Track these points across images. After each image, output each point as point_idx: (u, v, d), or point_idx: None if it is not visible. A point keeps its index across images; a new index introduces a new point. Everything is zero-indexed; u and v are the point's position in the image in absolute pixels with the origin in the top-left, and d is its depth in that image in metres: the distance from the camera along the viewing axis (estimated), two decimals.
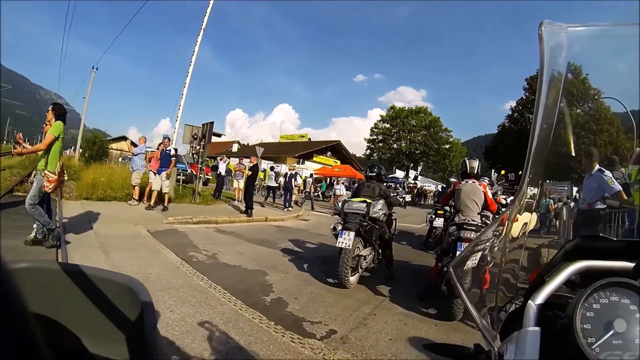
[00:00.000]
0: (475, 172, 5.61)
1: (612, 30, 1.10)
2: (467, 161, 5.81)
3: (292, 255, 7.47)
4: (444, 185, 14.03)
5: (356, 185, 7.03)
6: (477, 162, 5.76)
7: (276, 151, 45.22)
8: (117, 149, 35.13)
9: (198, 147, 15.10)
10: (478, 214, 5.24)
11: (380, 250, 6.08)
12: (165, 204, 11.14)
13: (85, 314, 0.69)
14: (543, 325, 0.78)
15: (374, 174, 6.56)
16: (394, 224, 7.07)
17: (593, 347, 0.70)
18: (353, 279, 5.56)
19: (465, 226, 4.95)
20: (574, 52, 1.04)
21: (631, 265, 0.81)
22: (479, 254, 1.53)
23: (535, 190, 1.14)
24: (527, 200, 1.12)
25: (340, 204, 6.18)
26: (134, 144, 13.38)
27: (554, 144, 1.09)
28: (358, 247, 5.63)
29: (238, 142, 64.78)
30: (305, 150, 46.41)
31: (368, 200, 5.96)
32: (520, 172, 1.09)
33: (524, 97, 43.73)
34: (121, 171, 14.99)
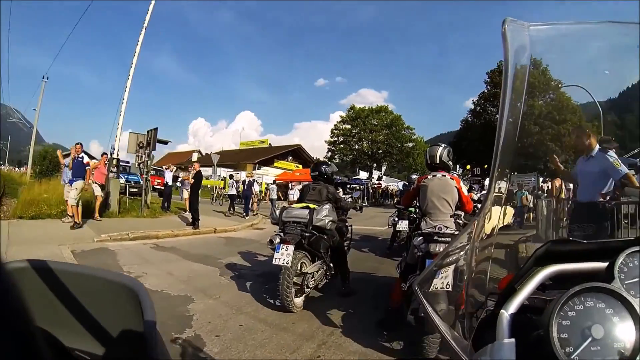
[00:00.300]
0: (439, 161, 4.28)
1: (572, 28, 1.13)
2: (427, 150, 4.46)
3: (232, 272, 6.41)
4: (406, 183, 13.00)
5: (300, 188, 5.91)
6: (442, 148, 4.35)
7: (236, 158, 44.54)
8: None
9: (143, 155, 14.06)
10: (451, 216, 4.08)
11: (332, 265, 5.10)
12: (78, 219, 9.77)
13: (85, 314, 0.70)
14: (517, 333, 0.76)
15: (317, 173, 5.56)
16: (349, 231, 6.08)
17: (572, 356, 0.68)
18: (299, 300, 4.60)
19: (436, 237, 3.68)
20: (536, 49, 1.05)
21: (602, 265, 0.83)
22: (451, 268, 1.49)
23: (504, 184, 1.15)
24: (496, 194, 1.12)
25: (278, 211, 5.13)
26: (66, 155, 12.10)
27: (520, 137, 1.07)
28: (303, 262, 4.70)
29: (199, 151, 63.18)
30: (266, 155, 45.50)
31: (311, 206, 4.99)
32: (486, 165, 0.98)
33: (486, 91, 43.72)
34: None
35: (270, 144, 53.08)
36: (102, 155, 12.75)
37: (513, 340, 0.73)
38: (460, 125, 48.35)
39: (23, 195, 12.35)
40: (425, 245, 3.69)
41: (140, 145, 14.28)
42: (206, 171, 21.09)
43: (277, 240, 4.58)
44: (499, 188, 1.11)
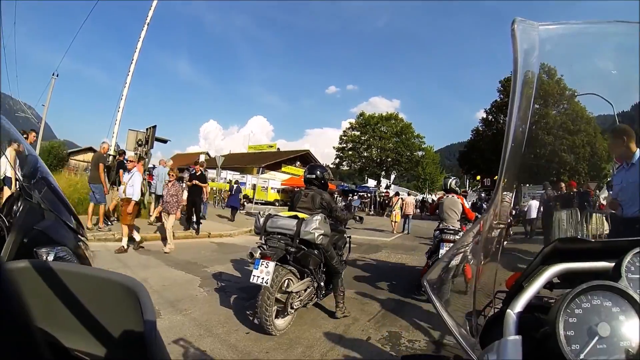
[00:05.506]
0: (449, 188, 6.71)
1: (583, 28, 1.10)
2: (444, 180, 7.48)
3: (214, 283, 5.74)
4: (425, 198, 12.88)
5: (293, 194, 5.14)
6: (452, 180, 6.91)
7: (243, 161, 44.06)
8: (82, 160, 35.49)
9: (142, 153, 13.61)
10: (457, 221, 6.32)
11: (322, 284, 4.38)
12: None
13: (85, 314, 0.70)
14: (524, 331, 0.75)
15: (313, 176, 4.81)
16: (346, 244, 5.29)
17: (578, 354, 0.67)
18: (280, 322, 3.93)
19: (446, 230, 6.09)
20: (546, 50, 1.01)
21: (609, 265, 0.82)
22: (455, 261, 1.40)
23: (511, 195, 1.09)
24: (505, 204, 1.09)
25: (262, 219, 4.45)
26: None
27: (529, 146, 1.03)
28: (289, 279, 4.03)
29: (207, 154, 63.00)
30: (274, 160, 44.87)
31: (300, 215, 4.29)
32: (496, 177, 1.01)
33: (499, 100, 42.42)
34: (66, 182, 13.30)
35: (278, 149, 52.51)
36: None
37: (519, 337, 0.73)
38: (471, 135, 47.33)
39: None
40: (440, 235, 6.10)
41: (139, 142, 13.82)
42: (210, 173, 20.66)
43: (257, 254, 3.92)
44: (506, 199, 1.05)
